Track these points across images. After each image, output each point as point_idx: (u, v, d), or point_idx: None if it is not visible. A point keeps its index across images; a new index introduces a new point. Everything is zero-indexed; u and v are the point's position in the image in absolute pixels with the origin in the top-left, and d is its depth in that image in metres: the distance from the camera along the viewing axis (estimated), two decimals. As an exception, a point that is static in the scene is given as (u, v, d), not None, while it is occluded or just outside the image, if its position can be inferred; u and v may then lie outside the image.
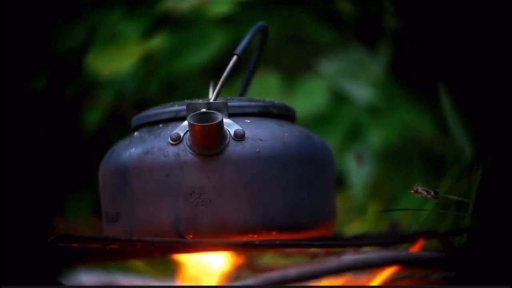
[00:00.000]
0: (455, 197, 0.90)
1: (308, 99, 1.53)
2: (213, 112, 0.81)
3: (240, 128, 0.84)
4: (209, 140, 0.82)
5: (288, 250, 1.04)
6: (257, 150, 0.83)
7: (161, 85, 1.57)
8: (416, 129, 1.58)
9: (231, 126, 0.84)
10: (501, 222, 0.83)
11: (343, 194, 1.51)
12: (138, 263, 1.26)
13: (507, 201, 0.84)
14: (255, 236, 0.84)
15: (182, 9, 1.50)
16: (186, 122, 0.84)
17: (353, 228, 1.33)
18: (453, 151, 1.18)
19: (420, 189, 0.84)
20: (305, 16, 1.65)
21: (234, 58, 0.86)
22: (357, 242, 0.95)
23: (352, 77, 1.58)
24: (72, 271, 1.14)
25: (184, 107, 0.85)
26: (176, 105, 0.88)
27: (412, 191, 0.84)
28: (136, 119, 0.91)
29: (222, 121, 0.81)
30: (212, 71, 1.45)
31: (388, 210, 1.23)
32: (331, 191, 0.90)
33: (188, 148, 0.83)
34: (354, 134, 1.56)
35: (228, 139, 0.83)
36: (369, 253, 0.87)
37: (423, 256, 0.84)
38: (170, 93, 1.58)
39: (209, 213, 0.82)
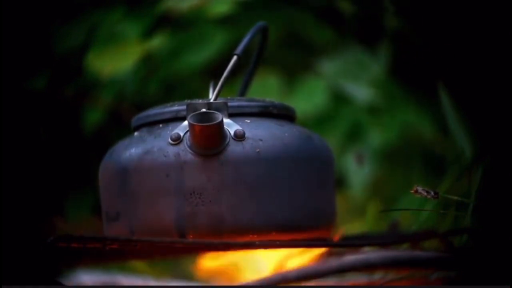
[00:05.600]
0: (455, 197, 0.90)
1: (308, 99, 1.53)
2: (213, 112, 0.81)
3: (240, 128, 0.84)
4: (209, 140, 0.82)
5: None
6: (257, 150, 0.83)
7: (161, 85, 1.57)
8: (416, 129, 1.57)
9: (231, 126, 0.84)
10: (501, 222, 0.83)
11: (343, 194, 1.51)
12: (138, 263, 1.26)
13: (507, 201, 0.84)
14: (255, 236, 0.84)
15: (182, 9, 1.50)
16: (186, 122, 0.84)
17: (353, 228, 1.33)
18: (453, 151, 1.18)
19: (420, 189, 0.84)
20: (305, 16, 1.65)
21: (234, 58, 0.86)
22: (357, 242, 0.95)
23: (352, 77, 1.58)
24: (72, 271, 1.13)
25: (184, 107, 0.85)
26: (176, 105, 0.88)
27: (412, 191, 0.84)
28: (136, 119, 0.91)
29: (222, 121, 0.81)
30: (212, 71, 1.45)
31: (388, 210, 1.23)
32: (331, 191, 0.90)
33: (188, 148, 0.83)
34: (354, 134, 1.56)
35: (228, 139, 0.83)
36: (369, 253, 0.87)
37: (423, 256, 0.84)
38: (170, 93, 1.58)
39: (209, 213, 0.82)
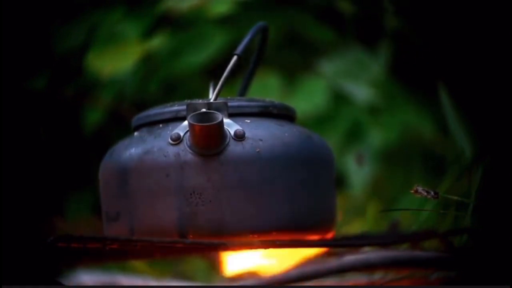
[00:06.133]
0: (455, 197, 0.90)
1: (308, 99, 1.53)
2: (213, 112, 0.81)
3: (240, 128, 0.84)
4: (209, 140, 0.82)
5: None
6: (257, 150, 0.83)
7: (161, 85, 1.57)
8: (416, 129, 1.58)
9: (231, 126, 0.84)
10: (501, 222, 0.83)
11: (343, 194, 1.51)
12: (138, 263, 1.26)
13: (507, 201, 0.84)
14: (255, 236, 0.84)
15: (182, 9, 1.50)
16: (186, 122, 0.84)
17: (353, 228, 1.33)
18: (453, 151, 1.18)
19: (420, 189, 0.84)
20: (305, 16, 1.65)
21: (234, 58, 0.86)
22: (357, 242, 0.95)
23: (352, 77, 1.58)
24: (72, 271, 1.13)
25: (184, 107, 0.85)
26: (176, 105, 0.88)
27: (412, 191, 0.84)
28: (136, 119, 0.91)
29: (222, 121, 0.81)
30: (212, 71, 1.45)
31: (388, 210, 1.23)
32: (331, 191, 0.90)
33: (188, 148, 0.83)
34: (354, 134, 1.56)
35: (228, 139, 0.83)
36: (369, 253, 0.87)
37: (423, 256, 0.84)
38: (170, 93, 1.58)
39: (209, 213, 0.82)
